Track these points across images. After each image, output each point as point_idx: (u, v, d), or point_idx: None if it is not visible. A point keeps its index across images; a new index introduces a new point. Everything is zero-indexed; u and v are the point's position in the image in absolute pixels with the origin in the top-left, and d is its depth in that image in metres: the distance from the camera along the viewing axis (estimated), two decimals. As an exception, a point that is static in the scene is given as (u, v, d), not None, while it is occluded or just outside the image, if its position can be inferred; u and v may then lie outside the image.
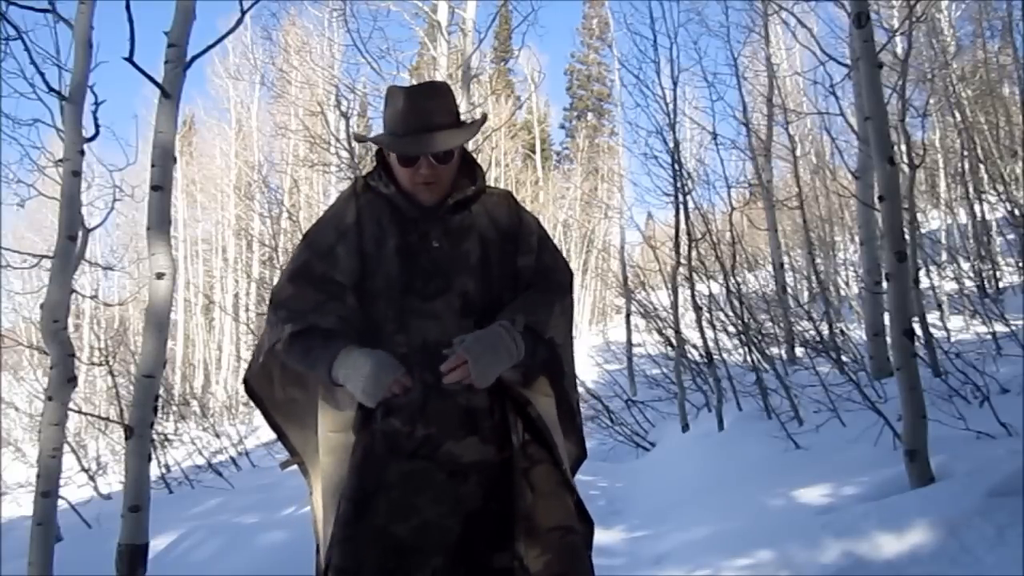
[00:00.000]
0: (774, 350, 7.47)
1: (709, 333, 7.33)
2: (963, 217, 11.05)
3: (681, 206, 7.51)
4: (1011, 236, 9.42)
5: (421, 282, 1.66)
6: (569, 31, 39.89)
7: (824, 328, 6.83)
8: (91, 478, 7.47)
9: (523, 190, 23.84)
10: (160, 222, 3.41)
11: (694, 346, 7.89)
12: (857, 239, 7.60)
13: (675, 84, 7.79)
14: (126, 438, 3.36)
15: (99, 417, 7.62)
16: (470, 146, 1.87)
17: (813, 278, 11.01)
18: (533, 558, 1.59)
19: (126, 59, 3.23)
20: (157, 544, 3.95)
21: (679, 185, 7.59)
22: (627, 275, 12.72)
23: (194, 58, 3.50)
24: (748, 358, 6.46)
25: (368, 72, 10.01)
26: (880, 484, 3.32)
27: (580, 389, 8.46)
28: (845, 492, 3.45)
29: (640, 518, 4.22)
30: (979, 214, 10.09)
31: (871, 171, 5.72)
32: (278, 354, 1.71)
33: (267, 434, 9.59)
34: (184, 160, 21.69)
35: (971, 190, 9.86)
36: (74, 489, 7.06)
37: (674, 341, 8.03)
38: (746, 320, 6.86)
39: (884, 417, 3.89)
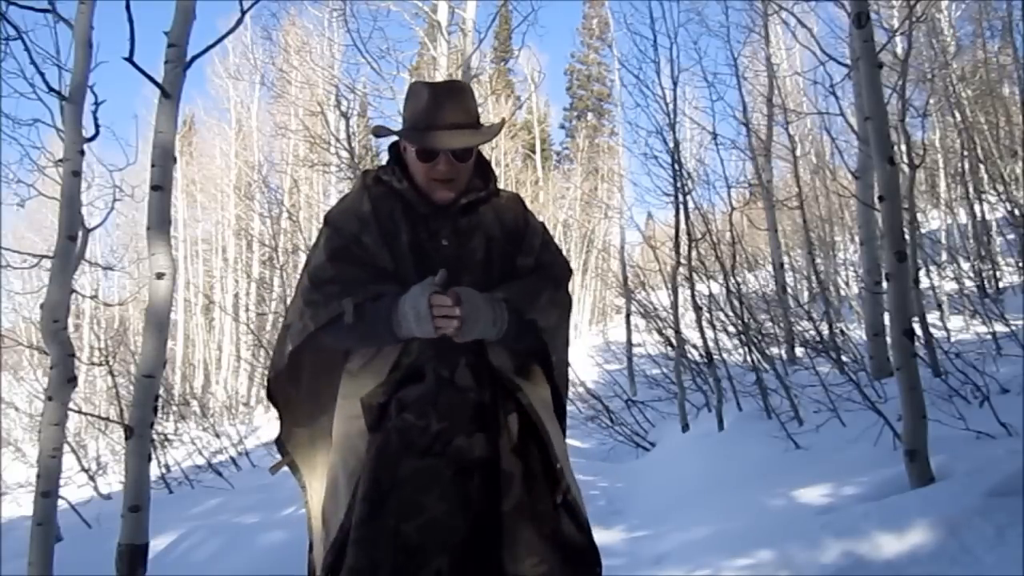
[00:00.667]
0: (774, 350, 7.46)
1: (709, 333, 7.33)
2: (963, 217, 11.05)
3: (681, 206, 7.51)
4: (1011, 236, 9.42)
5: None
6: (569, 31, 39.95)
7: (824, 328, 6.83)
8: (91, 478, 7.47)
9: (523, 190, 23.81)
10: (160, 222, 3.41)
11: (694, 346, 7.89)
12: (857, 239, 7.60)
13: (675, 84, 7.80)
14: (126, 438, 3.36)
15: (99, 417, 7.63)
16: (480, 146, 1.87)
17: (813, 278, 11.00)
18: (531, 566, 1.59)
19: (126, 59, 3.23)
20: (157, 544, 3.95)
21: (679, 185, 7.59)
22: (627, 275, 12.72)
23: (194, 58, 3.50)
24: (748, 358, 6.46)
25: (368, 72, 10.02)
26: (880, 484, 3.32)
27: (580, 389, 8.43)
28: (845, 492, 3.44)
29: (640, 518, 4.21)
30: (979, 214, 10.08)
31: (871, 171, 5.72)
32: (329, 328, 1.65)
33: (267, 434, 9.60)
34: (184, 160, 21.67)
35: (971, 190, 9.85)
36: (74, 489, 7.06)
37: (674, 341, 8.03)
38: (746, 320, 6.86)
39: (884, 417, 3.89)
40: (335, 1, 10.92)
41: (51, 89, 3.89)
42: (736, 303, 6.83)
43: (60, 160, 3.92)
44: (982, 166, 9.78)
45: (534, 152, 27.19)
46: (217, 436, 9.29)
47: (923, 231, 9.77)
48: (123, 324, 15.91)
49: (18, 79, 4.38)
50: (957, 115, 10.32)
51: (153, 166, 3.43)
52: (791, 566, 2.78)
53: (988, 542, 2.46)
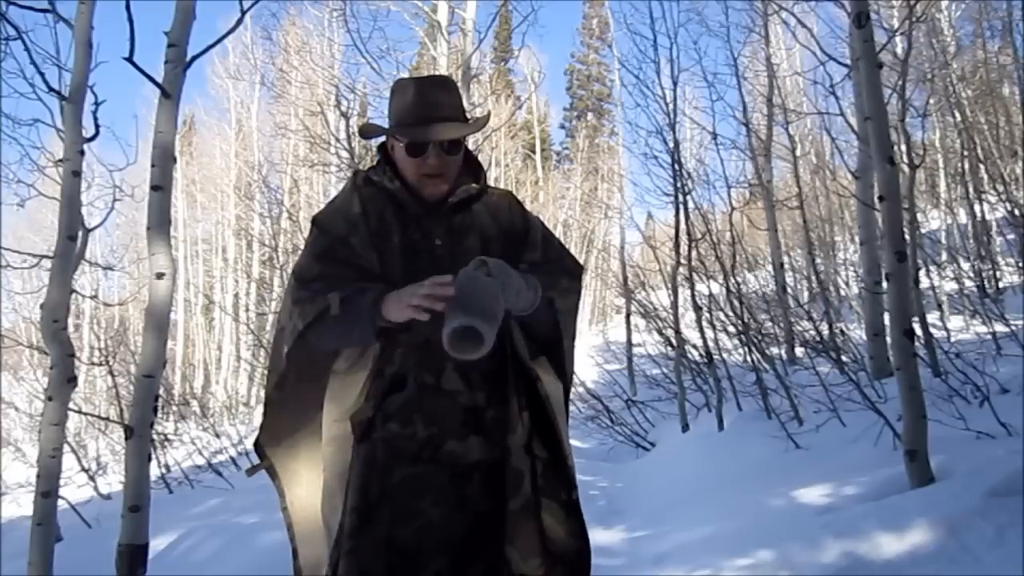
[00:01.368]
0: (774, 350, 7.47)
1: (709, 333, 7.32)
2: (963, 217, 11.04)
3: (681, 206, 7.51)
4: (1011, 236, 9.42)
5: (423, 280, 1.66)
6: (569, 31, 40.01)
7: (824, 328, 6.83)
8: (91, 478, 7.47)
9: (523, 190, 23.83)
10: (160, 222, 3.41)
11: (694, 346, 7.89)
12: (857, 239, 7.60)
13: (675, 84, 7.80)
14: (126, 438, 3.36)
15: (99, 417, 7.64)
16: (470, 145, 1.87)
17: (813, 278, 11.00)
18: (535, 567, 1.59)
19: (126, 59, 3.23)
20: (157, 544, 3.95)
21: (679, 185, 7.59)
22: (627, 275, 12.71)
23: (194, 58, 3.51)
24: (748, 358, 6.46)
25: (368, 72, 9.99)
26: (880, 484, 3.31)
27: (580, 389, 8.43)
28: (845, 492, 3.44)
29: (640, 518, 4.21)
30: (979, 214, 10.08)
31: (871, 171, 5.72)
32: (314, 327, 1.63)
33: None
34: (184, 160, 21.66)
35: (971, 190, 9.85)
36: (74, 489, 7.06)
37: (674, 341, 8.03)
38: (746, 320, 6.86)
39: (884, 417, 3.89)
40: (335, 1, 10.93)
41: (51, 89, 3.89)
42: (736, 303, 6.83)
43: (60, 160, 3.92)
44: (982, 166, 9.78)
45: (534, 152, 27.19)
46: (217, 436, 9.30)
47: (923, 231, 9.77)
48: (123, 324, 15.90)
49: (18, 79, 4.40)
50: (957, 115, 10.32)
51: (153, 166, 3.43)
52: (791, 566, 2.78)
53: (988, 542, 2.46)
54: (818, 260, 12.11)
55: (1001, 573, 2.33)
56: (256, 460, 1.86)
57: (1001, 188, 8.95)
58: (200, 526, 4.64)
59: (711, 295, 7.70)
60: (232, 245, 21.27)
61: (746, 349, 6.60)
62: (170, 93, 3.42)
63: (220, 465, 7.85)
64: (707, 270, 7.83)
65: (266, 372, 1.90)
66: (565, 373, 1.81)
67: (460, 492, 1.62)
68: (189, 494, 6.59)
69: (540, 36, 50.40)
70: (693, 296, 7.31)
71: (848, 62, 6.03)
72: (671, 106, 7.70)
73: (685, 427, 7.31)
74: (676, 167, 7.61)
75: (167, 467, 7.54)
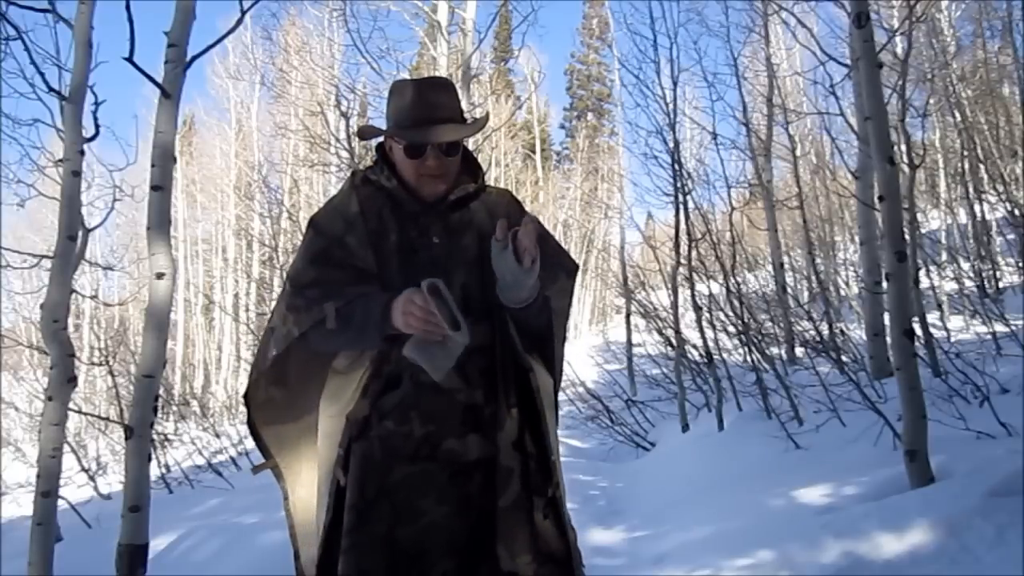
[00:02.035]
0: (774, 350, 7.47)
1: (709, 333, 7.32)
2: (963, 217, 11.05)
3: (681, 206, 7.51)
4: (1011, 236, 9.42)
5: (421, 278, 1.63)
6: (569, 31, 39.98)
7: (824, 328, 6.83)
8: (91, 478, 7.48)
9: (523, 190, 23.83)
10: (160, 222, 3.41)
11: (694, 346, 7.88)
12: (857, 239, 7.60)
13: (675, 84, 7.80)
14: (126, 438, 3.36)
15: (99, 417, 7.64)
16: (470, 146, 1.87)
17: (813, 278, 11.00)
18: (525, 564, 1.58)
19: (126, 59, 3.23)
20: (157, 544, 3.95)
21: (679, 185, 7.59)
22: (627, 275, 12.71)
23: (194, 58, 3.51)
24: (748, 358, 6.45)
25: (368, 72, 9.99)
26: (880, 484, 3.31)
27: (580, 389, 8.41)
28: (845, 492, 3.44)
29: (640, 518, 4.21)
30: (979, 214, 10.09)
31: (871, 171, 5.72)
32: (312, 334, 1.63)
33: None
34: (184, 160, 21.67)
35: (971, 190, 9.85)
36: (74, 489, 7.06)
37: (674, 341, 8.03)
38: (746, 320, 6.86)
39: (884, 417, 3.89)
40: (335, 1, 10.93)
41: (51, 89, 3.89)
42: (736, 303, 6.82)
43: (60, 160, 3.92)
44: (982, 166, 9.78)
45: (534, 152, 27.20)
46: (217, 436, 9.30)
47: (923, 231, 9.77)
48: (123, 324, 15.89)
49: (18, 79, 4.39)
50: (957, 115, 10.33)
51: (153, 166, 3.43)
52: (791, 566, 2.78)
53: (988, 542, 2.46)
54: (818, 260, 12.11)
55: (1001, 573, 2.33)
56: (254, 457, 1.86)
57: (1001, 188, 8.96)
58: (200, 526, 4.64)
59: (711, 295, 7.70)
60: (232, 245, 21.28)
61: (746, 349, 6.60)
62: (170, 93, 3.42)
63: (220, 465, 7.85)
64: (707, 270, 7.83)
65: (249, 368, 1.90)
66: (554, 372, 1.81)
67: (462, 491, 1.62)
68: (189, 494, 6.59)
69: (540, 36, 50.41)
70: (693, 296, 7.31)
71: (848, 62, 6.03)
72: (671, 106, 7.70)
73: (685, 427, 7.31)
74: (676, 167, 7.61)
75: (167, 467, 7.55)
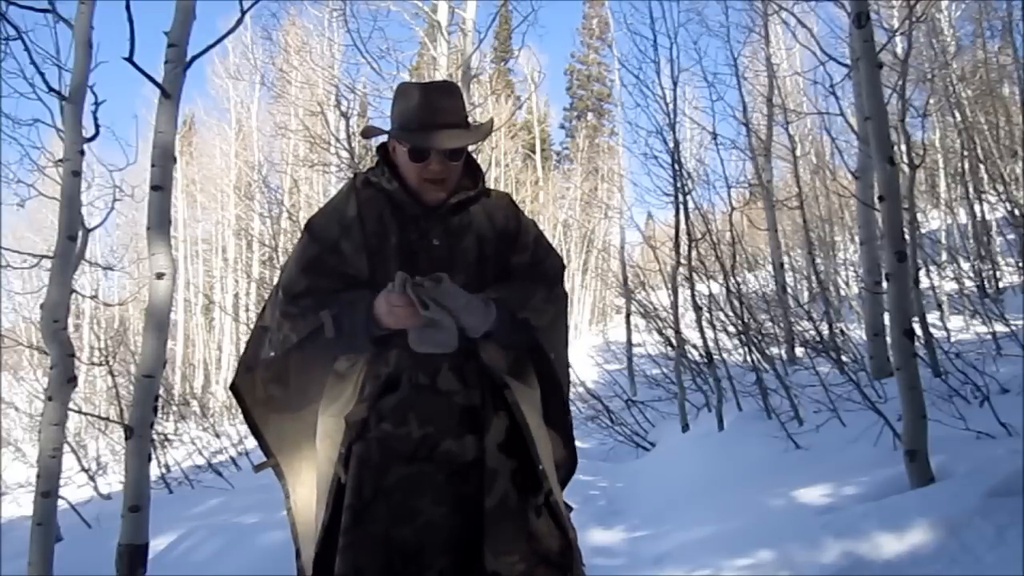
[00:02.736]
0: (774, 350, 7.46)
1: (709, 333, 7.32)
2: (963, 217, 11.05)
3: (681, 206, 7.51)
4: (1011, 236, 9.42)
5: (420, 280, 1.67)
6: (569, 31, 39.98)
7: (824, 328, 6.83)
8: (91, 478, 7.47)
9: (523, 190, 23.84)
10: (160, 222, 3.41)
11: (694, 346, 7.88)
12: (857, 239, 7.60)
13: (675, 84, 7.80)
14: (126, 438, 3.36)
15: (99, 417, 7.63)
16: (471, 147, 1.87)
17: (813, 278, 11.01)
18: (509, 564, 1.59)
19: (126, 59, 3.23)
20: (157, 544, 3.95)
21: (679, 185, 7.59)
22: (627, 275, 12.71)
23: (194, 58, 3.50)
24: (748, 358, 6.45)
25: (368, 72, 9.99)
26: (880, 484, 3.31)
27: (580, 389, 8.42)
28: (845, 492, 3.44)
29: (640, 518, 4.21)
30: (979, 214, 10.09)
31: (871, 171, 5.72)
32: (306, 342, 1.66)
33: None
34: (184, 160, 21.67)
35: (971, 190, 9.86)
36: (74, 489, 7.05)
37: (674, 341, 8.03)
38: (746, 320, 6.86)
39: (884, 417, 3.89)
40: (335, 1, 10.93)
41: (51, 89, 3.88)
42: (736, 303, 6.82)
43: (60, 160, 3.92)
44: (982, 166, 9.78)
45: (534, 152, 27.19)
46: (217, 436, 9.30)
47: (923, 231, 9.77)
48: (123, 324, 15.89)
49: (18, 79, 4.39)
50: (957, 115, 10.33)
51: (153, 166, 3.43)
52: (791, 566, 2.78)
53: (988, 542, 2.46)
54: (818, 260, 12.11)
55: (1001, 573, 2.33)
56: (262, 457, 1.87)
57: (1001, 188, 8.96)
58: (200, 526, 4.64)
59: (711, 295, 7.70)
60: (232, 245, 21.28)
61: (746, 349, 6.60)
62: (170, 93, 3.42)
63: (220, 465, 7.85)
64: (707, 270, 7.83)
65: (237, 362, 1.91)
66: (558, 382, 1.81)
67: (458, 491, 1.63)
68: (189, 494, 6.59)
69: (540, 36, 50.38)
70: (693, 296, 7.31)
71: (848, 62, 6.03)
72: (671, 106, 7.70)
73: (685, 427, 7.31)
74: (676, 167, 7.61)
75: (167, 467, 7.54)
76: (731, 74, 10.63)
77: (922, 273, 6.95)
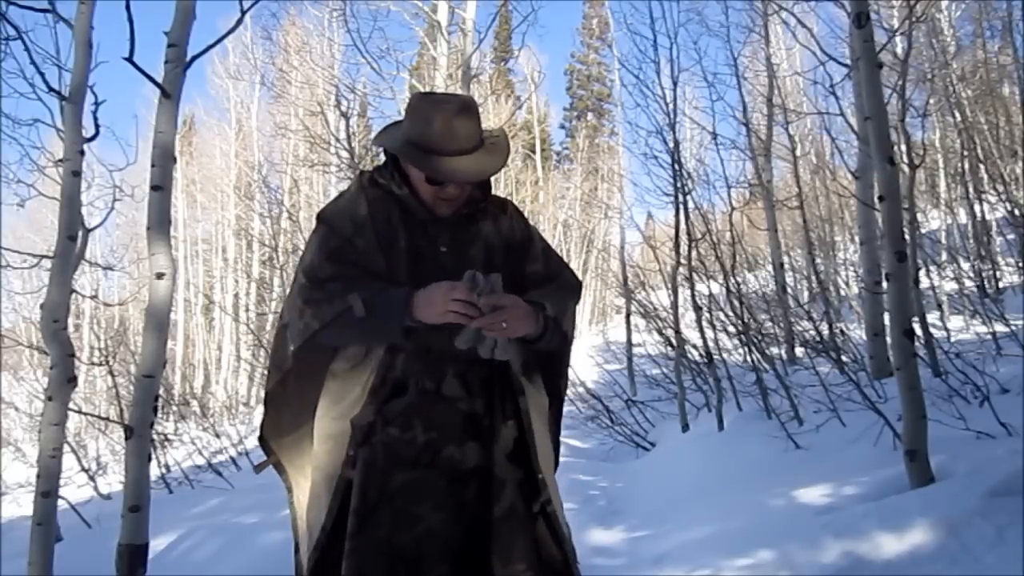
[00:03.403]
0: (774, 350, 7.46)
1: (709, 333, 7.32)
2: (963, 217, 11.05)
3: (681, 206, 7.51)
4: (1011, 236, 9.42)
5: (427, 285, 1.65)
6: (569, 31, 39.90)
7: (824, 328, 6.83)
8: (91, 478, 7.47)
9: (523, 190, 23.85)
10: (160, 222, 3.41)
11: (694, 346, 7.88)
12: (857, 239, 7.60)
13: (675, 84, 7.78)
14: (126, 438, 3.36)
15: (99, 417, 7.63)
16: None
17: (813, 278, 11.01)
18: (518, 572, 1.59)
19: (126, 59, 3.23)
20: (157, 544, 3.95)
21: (679, 185, 7.58)
22: (627, 275, 12.71)
23: (194, 58, 3.51)
24: (748, 358, 6.45)
25: (368, 72, 10.00)
26: (880, 484, 3.31)
27: (580, 389, 8.44)
28: (845, 492, 3.44)
29: (640, 518, 4.21)
30: (979, 214, 10.09)
31: (871, 171, 5.72)
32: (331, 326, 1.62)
33: (267, 434, 9.58)
34: (184, 160, 21.67)
35: (971, 190, 9.85)
36: (74, 489, 7.05)
37: (674, 341, 8.03)
38: (746, 320, 6.86)
39: (884, 417, 3.89)
40: (335, 1, 10.93)
41: (51, 89, 3.88)
42: (736, 303, 6.82)
43: (60, 160, 3.92)
44: (982, 166, 9.78)
45: (534, 152, 27.18)
46: (217, 436, 9.29)
47: (923, 231, 9.77)
48: (123, 324, 15.88)
49: (18, 79, 4.38)
50: (957, 115, 10.32)
51: (153, 166, 3.43)
52: (791, 566, 2.78)
53: (988, 542, 2.46)
54: (818, 260, 12.11)
55: (1001, 573, 2.33)
56: (262, 457, 1.87)
57: (1001, 188, 8.96)
58: (200, 526, 4.64)
59: (711, 295, 7.70)
60: (232, 245, 21.28)
61: (746, 349, 6.60)
62: (170, 93, 3.42)
63: (220, 465, 7.85)
64: (707, 270, 7.82)
65: (267, 369, 1.90)
66: (559, 391, 1.84)
67: (458, 498, 1.62)
68: (189, 494, 6.59)
69: (540, 36, 50.41)
70: (693, 296, 7.31)
71: (848, 62, 6.03)
72: (671, 106, 7.69)
73: (685, 427, 7.31)
74: (676, 167, 7.60)
75: (167, 467, 7.54)
76: (731, 74, 10.63)
77: (922, 273, 6.95)
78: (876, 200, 3.58)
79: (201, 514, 5.30)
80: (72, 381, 3.61)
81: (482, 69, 12.03)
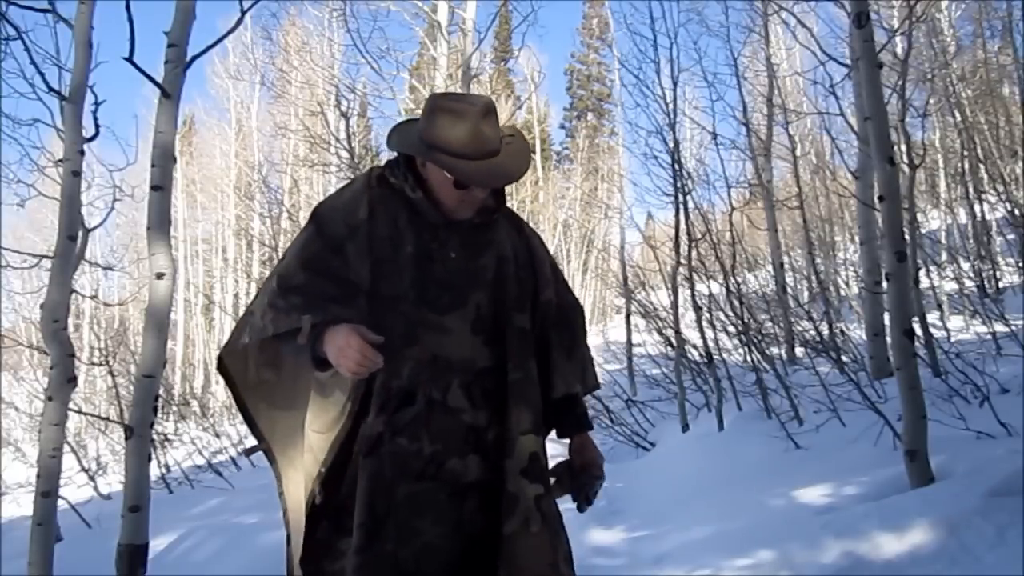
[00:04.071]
0: (774, 350, 7.46)
1: (709, 333, 7.32)
2: (963, 217, 11.05)
3: (681, 206, 7.51)
4: (1011, 236, 9.43)
5: (435, 293, 1.62)
6: (569, 31, 39.90)
7: (824, 328, 6.83)
8: (91, 478, 7.48)
9: (523, 190, 23.82)
10: (160, 222, 3.41)
11: (694, 346, 7.88)
12: (857, 239, 7.61)
13: (675, 84, 7.78)
14: (126, 438, 3.37)
15: (99, 417, 7.64)
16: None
17: (813, 278, 11.01)
18: None
19: (126, 59, 3.23)
20: (157, 544, 3.96)
21: (679, 185, 7.58)
22: (627, 275, 12.71)
23: (194, 58, 3.51)
24: (748, 358, 6.45)
25: (368, 72, 10.00)
26: (880, 484, 3.32)
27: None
28: (845, 492, 3.45)
29: (640, 518, 4.21)
30: (979, 214, 10.09)
31: (871, 171, 5.72)
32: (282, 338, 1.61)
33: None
34: (184, 160, 21.67)
35: (971, 190, 9.86)
36: (74, 489, 7.06)
37: (674, 341, 8.02)
38: (746, 320, 6.86)
39: (884, 417, 3.89)
40: (335, 1, 10.93)
41: (51, 89, 3.89)
42: (736, 303, 6.82)
43: (60, 160, 3.92)
44: (982, 166, 9.78)
45: (534, 152, 27.18)
46: (217, 436, 9.30)
47: (923, 231, 9.77)
48: (123, 324, 15.87)
49: (18, 79, 4.40)
50: (957, 115, 10.33)
51: (153, 166, 3.43)
52: (791, 566, 2.78)
53: (988, 542, 2.46)
54: (818, 260, 12.12)
55: (1001, 573, 2.33)
56: (261, 457, 1.85)
57: (1001, 188, 8.96)
58: (200, 526, 4.65)
59: (711, 295, 7.70)
60: (232, 245, 21.28)
61: (746, 349, 6.60)
62: (170, 93, 3.42)
63: (220, 465, 7.85)
64: (707, 270, 7.82)
65: (225, 339, 1.87)
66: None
67: (457, 512, 1.61)
68: (189, 494, 6.59)
69: (540, 36, 50.28)
70: (693, 296, 7.30)
71: (848, 62, 6.03)
72: (671, 106, 7.69)
73: (685, 427, 7.31)
74: (676, 167, 7.60)
75: (167, 467, 7.55)
76: (731, 74, 10.63)
77: (922, 273, 6.95)
78: (876, 200, 3.58)
79: (201, 514, 5.30)
80: (72, 381, 3.61)
81: (482, 69, 12.02)
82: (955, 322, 7.71)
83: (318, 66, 13.54)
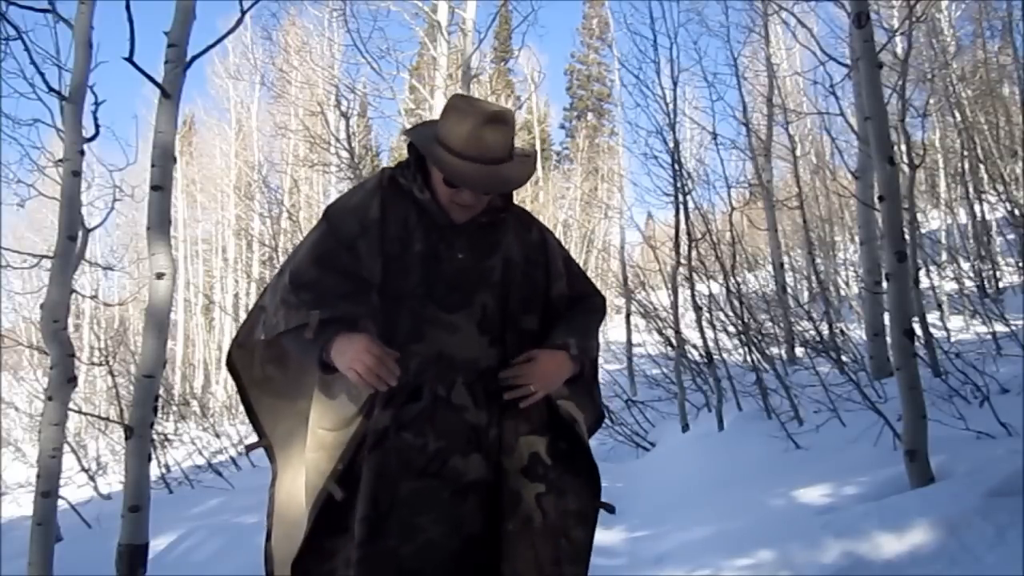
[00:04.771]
0: (774, 350, 7.47)
1: (709, 333, 7.32)
2: (963, 217, 11.06)
3: (681, 206, 7.51)
4: (1011, 236, 9.43)
5: (442, 292, 1.64)
6: (569, 31, 39.86)
7: (824, 328, 6.83)
8: (91, 478, 7.47)
9: (523, 190, 23.82)
10: (160, 222, 3.41)
11: (694, 346, 7.88)
12: (857, 239, 7.61)
13: (675, 84, 7.79)
14: (126, 438, 3.37)
15: (99, 417, 7.64)
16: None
17: (813, 278, 11.01)
18: None
19: (126, 59, 3.23)
20: (157, 544, 3.95)
21: (679, 185, 7.59)
22: (627, 275, 12.71)
23: (194, 58, 3.51)
24: (748, 358, 6.45)
25: (368, 72, 10.01)
26: (880, 484, 3.32)
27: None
28: (845, 492, 3.45)
29: (640, 518, 4.21)
30: (979, 214, 10.09)
31: (871, 171, 5.72)
32: (288, 335, 1.62)
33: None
34: (184, 160, 21.68)
35: (971, 190, 9.86)
36: (74, 489, 7.06)
37: (674, 341, 8.03)
38: (746, 320, 6.86)
39: (884, 417, 3.89)
40: (335, 1, 10.93)
41: (51, 89, 3.89)
42: (736, 303, 6.83)
43: (60, 160, 3.92)
44: (982, 166, 9.79)
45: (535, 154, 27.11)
46: (217, 436, 9.30)
47: (923, 231, 9.77)
48: (123, 324, 15.88)
49: (18, 79, 4.40)
50: (957, 115, 10.33)
51: (153, 166, 3.43)
52: (791, 566, 2.78)
53: (988, 542, 2.46)
54: (818, 260, 12.12)
55: (1001, 573, 2.33)
56: (261, 457, 1.85)
57: (1001, 188, 8.96)
58: (200, 526, 4.64)
59: (711, 295, 7.70)
60: (232, 245, 21.28)
61: (746, 349, 6.60)
62: (170, 93, 3.42)
63: (220, 465, 7.85)
64: (707, 270, 7.83)
65: (235, 331, 1.88)
66: (597, 405, 1.90)
67: (457, 511, 1.61)
68: (189, 494, 6.59)
69: (540, 36, 50.26)
70: (693, 296, 7.31)
71: (848, 62, 6.03)
72: (671, 106, 7.70)
73: (685, 427, 7.31)
74: (676, 167, 7.61)
75: (167, 467, 7.54)
76: (731, 74, 10.65)
77: (922, 273, 6.95)
78: (876, 200, 3.58)
79: (201, 514, 5.30)
80: (72, 381, 3.61)
81: (482, 69, 12.02)
82: (955, 322, 7.71)
83: (318, 66, 13.54)
